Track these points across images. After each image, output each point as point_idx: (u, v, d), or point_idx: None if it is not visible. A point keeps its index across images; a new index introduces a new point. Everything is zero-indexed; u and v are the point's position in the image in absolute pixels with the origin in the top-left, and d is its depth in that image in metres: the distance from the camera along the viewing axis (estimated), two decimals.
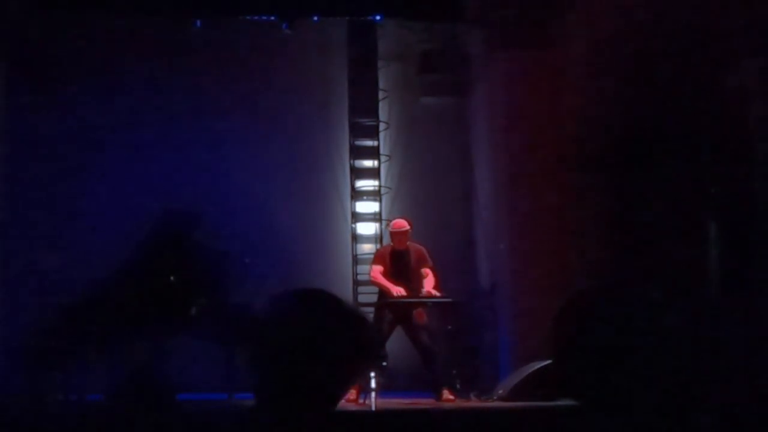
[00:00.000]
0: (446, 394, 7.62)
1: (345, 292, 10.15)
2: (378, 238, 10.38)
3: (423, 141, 10.61)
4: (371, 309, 8.41)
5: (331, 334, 2.07)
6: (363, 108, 10.59)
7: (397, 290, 7.70)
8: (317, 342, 2.07)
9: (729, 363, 5.87)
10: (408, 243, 8.03)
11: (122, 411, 6.00)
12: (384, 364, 7.96)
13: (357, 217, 10.52)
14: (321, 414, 2.06)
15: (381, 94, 10.64)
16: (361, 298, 9.98)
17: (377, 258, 8.13)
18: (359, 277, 10.19)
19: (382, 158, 10.63)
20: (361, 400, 7.43)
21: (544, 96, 8.86)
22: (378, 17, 10.49)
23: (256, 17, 10.23)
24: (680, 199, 7.11)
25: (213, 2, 9.87)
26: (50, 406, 6.76)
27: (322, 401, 2.04)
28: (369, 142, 10.62)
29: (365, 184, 10.58)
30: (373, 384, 6.95)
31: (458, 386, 7.78)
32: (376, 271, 7.97)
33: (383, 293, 7.90)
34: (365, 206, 10.56)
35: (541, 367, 7.34)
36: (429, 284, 7.77)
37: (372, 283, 8.20)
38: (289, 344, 2.07)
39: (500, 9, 9.07)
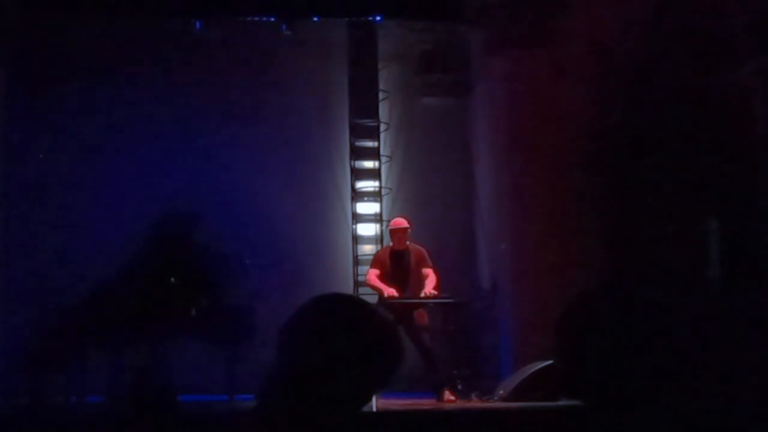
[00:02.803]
0: (447, 395, 7.61)
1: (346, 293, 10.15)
2: (378, 239, 10.36)
3: (423, 141, 10.59)
4: None
5: (355, 337, 2.05)
6: (363, 109, 10.58)
7: (389, 291, 7.70)
8: (342, 345, 2.04)
9: (730, 362, 5.86)
10: (408, 243, 8.01)
11: (123, 413, 5.99)
12: None
13: (357, 218, 10.51)
14: (347, 415, 2.04)
15: (381, 95, 10.63)
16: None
17: (375, 261, 8.14)
18: (360, 278, 10.18)
19: (383, 159, 10.61)
20: None
21: (544, 96, 8.85)
22: (378, 18, 10.47)
23: (255, 18, 10.21)
24: (681, 198, 7.10)
25: (213, 3, 9.85)
26: (51, 408, 6.75)
27: (347, 404, 2.01)
28: (369, 143, 10.61)
29: (366, 185, 10.57)
30: None
31: (459, 387, 7.77)
32: (372, 274, 7.97)
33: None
34: (366, 207, 10.54)
35: (543, 367, 7.33)
36: (429, 285, 7.76)
37: (366, 285, 8.20)
38: (315, 349, 2.04)
39: (500, 9, 9.06)
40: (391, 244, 8.18)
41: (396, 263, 7.95)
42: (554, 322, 2.28)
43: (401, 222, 8.06)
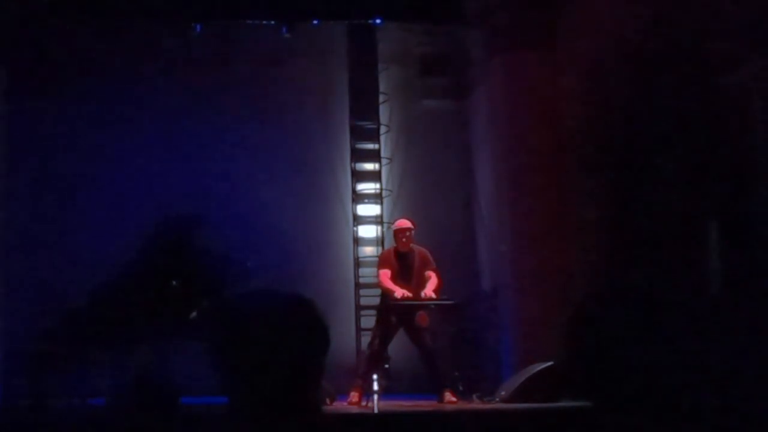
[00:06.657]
0: (448, 396, 7.61)
1: (347, 295, 10.18)
2: (379, 241, 10.39)
3: (424, 143, 10.62)
4: (374, 311, 8.42)
5: (278, 331, 2.05)
6: (363, 111, 10.61)
7: (402, 293, 7.67)
8: (267, 342, 2.05)
9: (731, 362, 5.87)
10: (412, 245, 8.00)
11: (125, 415, 6.00)
12: (387, 366, 7.96)
13: (358, 220, 10.53)
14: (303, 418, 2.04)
15: (381, 97, 10.66)
16: (363, 301, 10.00)
17: (383, 262, 8.06)
18: (361, 280, 10.20)
19: (383, 161, 10.64)
20: (363, 403, 7.44)
21: (544, 98, 8.87)
22: (378, 20, 10.49)
23: (256, 21, 10.23)
24: (681, 199, 7.11)
25: (213, 7, 9.87)
26: (52, 410, 6.76)
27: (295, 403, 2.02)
28: (370, 145, 10.64)
29: (366, 187, 10.60)
30: (375, 386, 6.95)
31: (460, 388, 7.78)
32: (384, 275, 7.87)
33: (386, 296, 7.87)
34: (366, 209, 10.57)
35: (544, 368, 7.34)
36: (431, 287, 7.75)
37: (379, 286, 8.16)
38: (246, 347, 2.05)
39: (500, 11, 9.08)
40: (395, 245, 8.15)
41: (401, 264, 7.93)
42: (561, 325, 2.30)
43: (405, 222, 8.04)
